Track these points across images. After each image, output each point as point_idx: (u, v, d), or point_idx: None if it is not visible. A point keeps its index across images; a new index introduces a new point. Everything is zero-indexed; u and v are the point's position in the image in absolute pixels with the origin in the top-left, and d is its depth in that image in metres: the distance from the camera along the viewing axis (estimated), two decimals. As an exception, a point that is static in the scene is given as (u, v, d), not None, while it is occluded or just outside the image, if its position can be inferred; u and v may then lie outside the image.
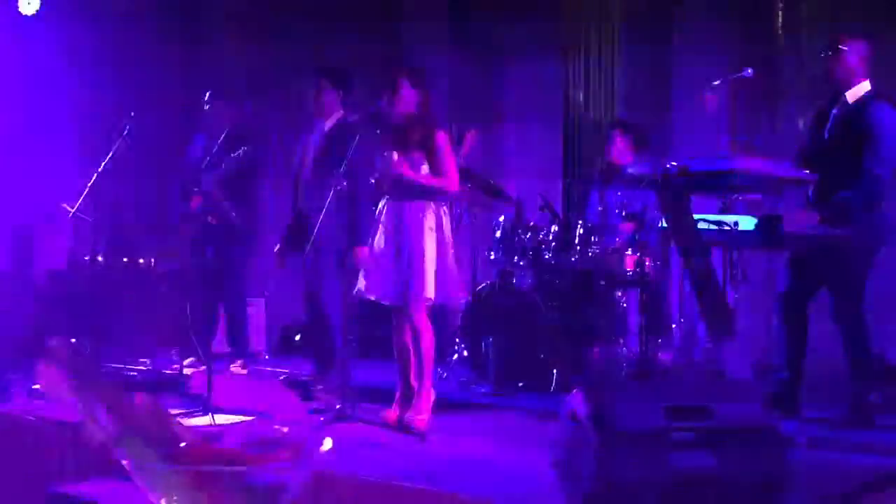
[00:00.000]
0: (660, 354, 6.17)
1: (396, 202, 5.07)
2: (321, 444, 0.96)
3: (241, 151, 6.45)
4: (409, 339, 5.14)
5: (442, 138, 5.05)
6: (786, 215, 4.97)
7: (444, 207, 5.17)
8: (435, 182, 5.01)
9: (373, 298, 5.17)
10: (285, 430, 0.95)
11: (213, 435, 0.97)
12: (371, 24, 8.46)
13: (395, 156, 4.94)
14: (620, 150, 6.61)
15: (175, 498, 0.86)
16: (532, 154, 7.86)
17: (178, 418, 0.90)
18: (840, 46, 5.08)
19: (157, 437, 0.88)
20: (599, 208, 6.03)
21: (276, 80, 8.75)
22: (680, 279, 5.76)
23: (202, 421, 4.93)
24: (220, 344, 7.06)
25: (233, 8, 8.88)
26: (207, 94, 6.91)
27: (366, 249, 5.29)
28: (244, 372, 6.87)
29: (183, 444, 0.88)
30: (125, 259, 8.64)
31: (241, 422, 5.07)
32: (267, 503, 0.90)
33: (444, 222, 5.09)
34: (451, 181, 5.06)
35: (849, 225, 4.92)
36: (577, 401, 3.54)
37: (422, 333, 5.09)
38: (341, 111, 5.86)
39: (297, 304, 7.53)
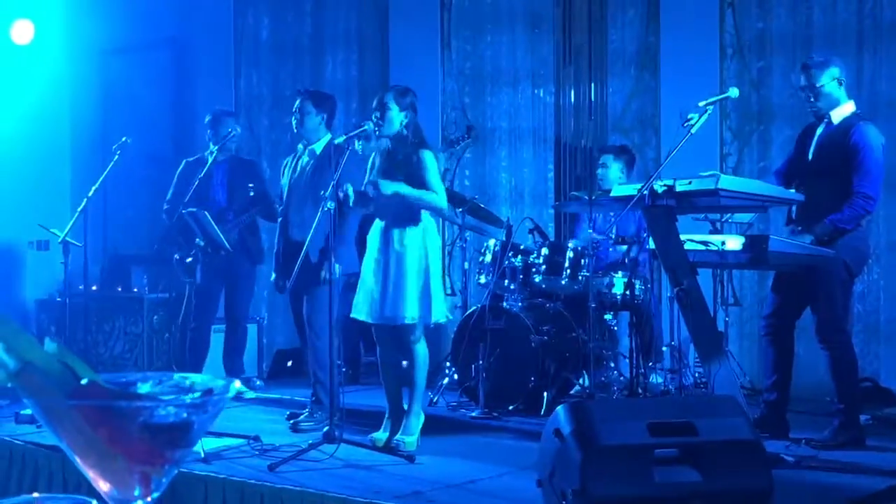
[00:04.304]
0: (651, 377, 6.17)
1: (384, 222, 5.09)
2: (230, 387, 0.96)
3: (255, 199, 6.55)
4: (397, 360, 5.15)
5: (429, 157, 5.08)
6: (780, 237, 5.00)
7: (433, 227, 5.18)
8: (425, 195, 5.02)
9: (362, 319, 5.18)
10: (197, 379, 0.96)
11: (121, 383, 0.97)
12: (362, 46, 8.51)
13: (380, 177, 4.96)
14: (612, 175, 6.64)
15: (76, 434, 0.87)
16: (523, 178, 7.89)
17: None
18: (812, 78, 5.08)
19: (57, 373, 0.88)
20: (590, 231, 6.04)
21: (267, 102, 8.80)
22: (670, 301, 5.76)
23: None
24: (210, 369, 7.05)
25: (224, 33, 8.93)
26: (211, 114, 6.93)
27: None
28: (252, 394, 6.91)
29: (84, 381, 0.88)
30: (119, 288, 8.66)
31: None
32: (170, 442, 0.90)
33: (430, 242, 5.11)
34: (441, 197, 5.08)
35: (834, 244, 4.93)
36: (561, 417, 3.55)
37: (417, 354, 5.10)
38: (328, 134, 5.87)
39: (290, 328, 7.55)
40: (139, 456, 0.88)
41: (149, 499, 0.91)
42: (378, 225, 5.14)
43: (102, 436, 0.86)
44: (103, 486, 0.91)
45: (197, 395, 0.93)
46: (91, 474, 0.91)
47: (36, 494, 0.97)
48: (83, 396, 0.87)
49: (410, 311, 4.99)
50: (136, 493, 0.90)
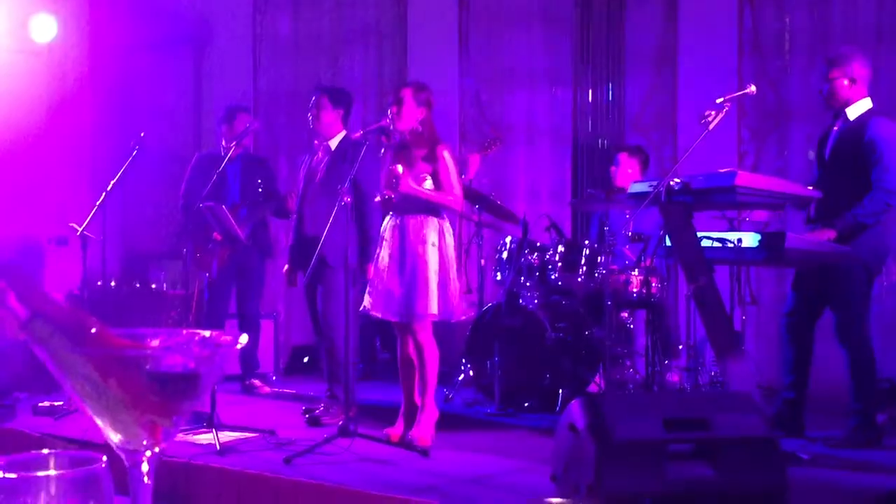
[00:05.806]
0: (667, 375, 6.16)
1: (400, 217, 5.09)
2: (237, 341, 0.97)
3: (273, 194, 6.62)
4: (413, 355, 5.15)
5: (446, 154, 5.08)
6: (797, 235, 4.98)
7: (448, 223, 5.19)
8: (440, 197, 5.03)
9: (378, 315, 5.18)
10: (206, 334, 0.97)
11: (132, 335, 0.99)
12: (380, 43, 8.53)
13: (401, 169, 4.96)
14: (627, 173, 6.63)
15: (85, 383, 0.88)
16: (541, 175, 7.90)
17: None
18: (836, 67, 5.08)
19: (67, 322, 0.90)
20: (606, 228, 6.04)
21: (286, 99, 8.84)
22: (686, 299, 5.75)
23: (206, 437, 4.95)
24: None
25: (243, 30, 8.97)
26: (225, 109, 6.95)
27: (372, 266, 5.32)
28: (268, 389, 6.93)
29: (94, 331, 0.90)
30: (137, 284, 8.69)
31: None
32: (178, 392, 0.91)
33: (446, 238, 5.11)
34: (456, 197, 5.08)
35: (852, 242, 4.91)
36: (575, 412, 3.55)
37: (426, 349, 5.10)
38: (344, 130, 5.89)
39: (306, 325, 7.57)
40: (148, 406, 0.89)
41: (156, 449, 0.92)
42: (392, 221, 5.14)
43: (111, 385, 0.87)
44: (113, 437, 0.92)
45: (205, 346, 0.94)
46: (101, 423, 0.92)
47: (46, 451, 0.99)
48: (93, 345, 0.89)
49: (430, 306, 5.00)
50: (145, 442, 0.91)
